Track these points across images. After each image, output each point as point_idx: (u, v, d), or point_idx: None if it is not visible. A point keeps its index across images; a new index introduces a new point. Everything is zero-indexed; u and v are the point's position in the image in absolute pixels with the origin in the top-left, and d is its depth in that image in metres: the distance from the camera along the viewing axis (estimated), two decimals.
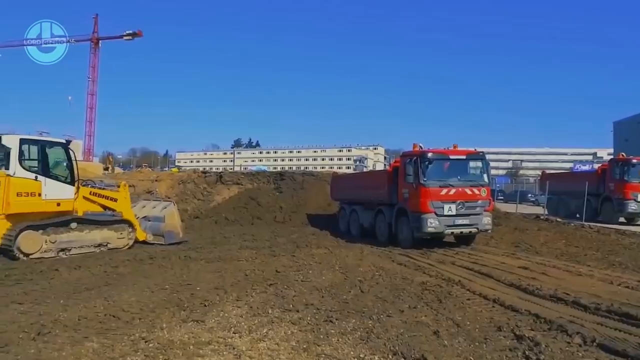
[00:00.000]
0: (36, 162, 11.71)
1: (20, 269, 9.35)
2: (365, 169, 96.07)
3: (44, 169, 11.71)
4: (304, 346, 5.07)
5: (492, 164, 15.24)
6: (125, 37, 74.09)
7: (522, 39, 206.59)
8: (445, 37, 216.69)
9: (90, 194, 12.70)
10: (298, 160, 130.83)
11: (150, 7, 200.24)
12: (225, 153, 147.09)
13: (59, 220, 11.56)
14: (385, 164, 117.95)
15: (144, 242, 13.34)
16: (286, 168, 76.62)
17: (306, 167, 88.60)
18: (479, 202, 13.02)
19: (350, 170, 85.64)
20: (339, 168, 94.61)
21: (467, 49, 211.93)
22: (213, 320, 5.94)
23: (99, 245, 12.30)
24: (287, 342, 5.22)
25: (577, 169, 66.77)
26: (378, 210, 15.04)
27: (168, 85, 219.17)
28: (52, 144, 12.23)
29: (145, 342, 5.09)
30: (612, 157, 28.32)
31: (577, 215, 21.68)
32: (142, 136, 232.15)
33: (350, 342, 5.25)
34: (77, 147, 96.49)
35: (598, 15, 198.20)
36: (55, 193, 11.62)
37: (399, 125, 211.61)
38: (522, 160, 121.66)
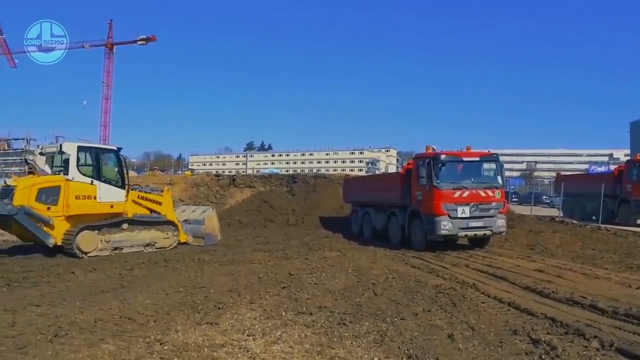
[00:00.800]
0: (91, 167, 12.65)
1: (38, 272, 9.49)
2: (377, 172, 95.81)
3: (98, 173, 12.67)
4: (318, 349, 5.07)
5: (505, 165, 15.07)
6: (139, 42, 74.89)
7: (536, 41, 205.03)
8: (457, 39, 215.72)
9: (138, 197, 13.51)
10: (310, 162, 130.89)
11: (162, 12, 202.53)
12: (237, 156, 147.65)
13: (112, 222, 12.50)
14: (397, 167, 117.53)
15: (185, 243, 14.07)
16: (298, 171, 76.68)
17: (318, 170, 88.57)
18: (493, 204, 12.91)
19: (363, 173, 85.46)
20: (351, 170, 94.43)
21: (480, 51, 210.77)
22: (227, 323, 5.96)
23: (148, 244, 13.16)
24: (300, 344, 5.21)
25: (593, 170, 65.96)
26: (391, 213, 14.99)
27: (181, 89, 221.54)
28: (105, 151, 13.38)
29: (160, 344, 5.12)
30: (628, 158, 27.87)
31: (594, 218, 21.38)
32: (155, 140, 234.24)
33: (364, 345, 5.23)
34: None
35: (611, 17, 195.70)
36: (109, 196, 12.60)
37: (411, 127, 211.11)
38: (536, 162, 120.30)
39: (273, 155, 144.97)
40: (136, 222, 13.00)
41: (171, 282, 8.50)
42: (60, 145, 12.44)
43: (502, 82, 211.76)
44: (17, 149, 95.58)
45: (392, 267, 10.31)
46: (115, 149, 13.45)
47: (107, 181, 12.77)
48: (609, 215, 20.86)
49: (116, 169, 13.27)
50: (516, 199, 39.15)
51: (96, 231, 12.06)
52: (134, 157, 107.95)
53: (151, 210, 13.69)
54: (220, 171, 65.04)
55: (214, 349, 5.01)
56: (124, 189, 13.01)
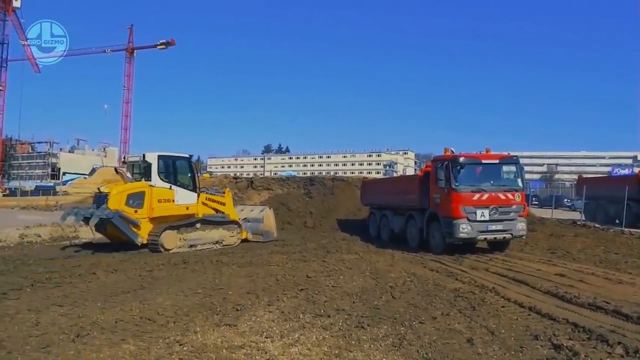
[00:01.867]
0: (169, 174, 14.11)
1: (60, 273, 9.63)
2: (395, 174, 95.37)
3: (175, 179, 14.17)
4: (336, 352, 5.06)
5: (526, 168, 14.87)
6: (159, 47, 76.10)
7: (556, 43, 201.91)
8: (476, 41, 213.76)
9: (206, 199, 14.87)
10: (328, 165, 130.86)
11: (178, 16, 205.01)
12: (255, 159, 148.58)
13: (188, 222, 13.91)
14: (415, 169, 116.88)
15: (245, 240, 15.42)
16: (316, 173, 76.70)
17: (336, 172, 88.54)
18: (513, 207, 12.74)
19: (380, 176, 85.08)
20: (369, 173, 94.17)
21: (499, 53, 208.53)
22: (245, 325, 5.99)
23: (216, 242, 14.52)
24: (318, 347, 5.21)
25: (616, 172, 64.64)
26: (409, 216, 14.90)
27: (198, 92, 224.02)
28: (179, 159, 14.61)
29: (180, 345, 5.17)
30: None
31: (617, 221, 20.93)
32: (174, 142, 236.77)
33: (382, 348, 5.20)
34: (113, 154, 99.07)
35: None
36: (184, 199, 14.10)
37: (430, 130, 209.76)
38: (557, 164, 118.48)
39: (290, 158, 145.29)
40: (207, 222, 14.36)
41: (190, 284, 8.57)
42: (144, 155, 13.89)
43: (521, 85, 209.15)
44: (41, 152, 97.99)
45: (410, 270, 10.24)
46: (188, 156, 14.79)
47: (182, 185, 14.20)
48: (632, 218, 20.40)
49: (189, 175, 14.61)
50: (537, 202, 38.57)
51: (176, 230, 13.45)
52: None
53: (216, 211, 15.03)
54: (238, 174, 65.52)
55: (233, 350, 5.04)
56: (196, 192, 14.42)
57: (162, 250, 12.88)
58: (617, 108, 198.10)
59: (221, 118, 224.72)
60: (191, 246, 13.73)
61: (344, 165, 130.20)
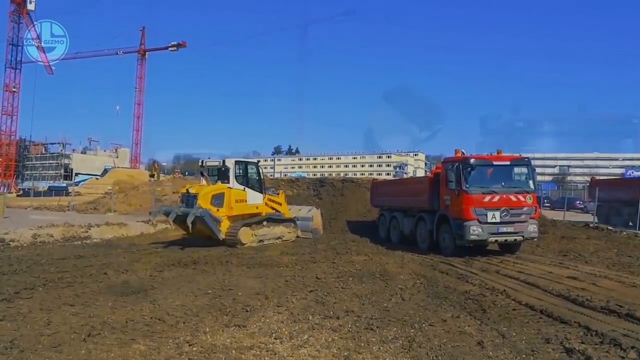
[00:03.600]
0: (243, 177, 15.67)
1: (72, 272, 9.74)
2: (405, 176, 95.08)
3: (247, 182, 15.73)
4: (345, 354, 5.05)
5: (537, 169, 14.72)
6: (170, 48, 76.71)
7: (570, 41, 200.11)
8: (487, 42, 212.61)
9: (268, 200, 16.37)
10: (337, 167, 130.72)
11: (192, 19, 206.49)
12: (265, 160, 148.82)
13: (258, 219, 15.51)
14: (425, 170, 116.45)
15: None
16: (326, 175, 76.69)
17: (346, 174, 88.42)
18: (524, 209, 12.62)
19: (390, 177, 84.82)
20: (379, 174, 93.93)
21: (511, 53, 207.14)
22: (254, 326, 6.01)
23: (278, 237, 16.06)
24: (327, 349, 5.21)
25: (630, 174, 63.88)
26: (419, 217, 14.83)
27: (209, 93, 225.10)
28: (250, 164, 16.41)
29: (190, 345, 5.20)
30: None
31: (630, 224, 20.66)
32: (185, 143, 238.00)
33: (392, 350, 5.19)
34: (125, 155, 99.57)
35: None
36: (254, 199, 15.69)
37: (441, 131, 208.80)
38: (569, 166, 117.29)
39: (300, 159, 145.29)
40: (272, 220, 16.03)
41: (200, 285, 8.62)
42: (223, 161, 15.46)
43: (533, 84, 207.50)
44: (54, 153, 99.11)
45: (420, 272, 10.20)
46: (256, 161, 16.77)
47: (252, 187, 15.74)
48: None
49: (257, 178, 16.20)
50: (548, 204, 38.19)
51: (249, 227, 15.00)
52: (165, 160, 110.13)
53: (274, 210, 16.50)
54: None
55: (242, 351, 5.05)
56: (263, 193, 16.06)
57: (239, 245, 14.26)
58: (634, 109, 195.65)
59: (231, 119, 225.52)
60: (260, 241, 15.17)
61: (354, 166, 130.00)
